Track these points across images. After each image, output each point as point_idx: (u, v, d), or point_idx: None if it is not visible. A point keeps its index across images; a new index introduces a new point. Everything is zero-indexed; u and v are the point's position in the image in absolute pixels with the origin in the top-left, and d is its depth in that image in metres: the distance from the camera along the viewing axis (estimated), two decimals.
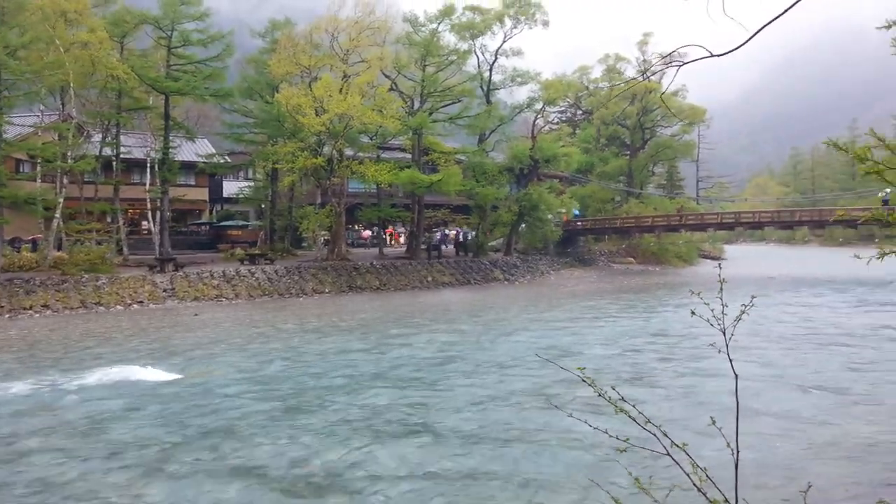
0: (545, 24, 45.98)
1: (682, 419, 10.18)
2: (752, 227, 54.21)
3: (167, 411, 12.02)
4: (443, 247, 46.44)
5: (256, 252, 38.69)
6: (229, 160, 46.98)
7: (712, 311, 3.39)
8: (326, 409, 12.09)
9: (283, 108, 35.80)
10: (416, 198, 43.10)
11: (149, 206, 38.68)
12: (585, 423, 3.79)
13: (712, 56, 4.22)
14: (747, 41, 3.66)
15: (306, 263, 37.02)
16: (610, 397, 3.41)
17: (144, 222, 42.75)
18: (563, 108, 69.97)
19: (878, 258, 2.86)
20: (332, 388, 13.90)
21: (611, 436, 3.53)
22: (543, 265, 47.03)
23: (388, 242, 50.55)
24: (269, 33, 43.37)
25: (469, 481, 8.40)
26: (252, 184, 50.08)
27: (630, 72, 64.25)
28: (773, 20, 3.35)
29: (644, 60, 64.78)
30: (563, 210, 49.65)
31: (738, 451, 3.17)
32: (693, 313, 3.37)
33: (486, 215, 45.80)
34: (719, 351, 3.26)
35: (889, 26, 3.95)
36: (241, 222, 49.46)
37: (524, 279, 42.93)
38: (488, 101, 46.82)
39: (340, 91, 36.11)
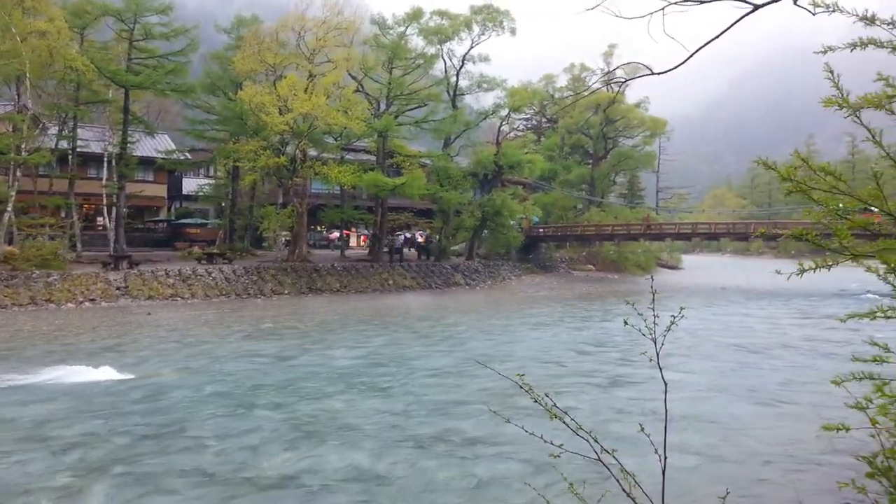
0: (513, 31, 46.40)
1: (620, 425, 10.39)
2: (708, 237, 55.41)
3: (116, 412, 11.79)
4: (405, 250, 46.44)
5: (215, 251, 38.13)
6: (189, 157, 46.24)
7: (656, 317, 3.50)
8: (278, 411, 12.00)
9: (247, 105, 35.40)
10: (379, 200, 43.02)
11: (105, 201, 37.83)
12: (523, 429, 3.86)
13: (653, 74, 4.36)
14: (685, 61, 3.79)
15: (266, 264, 36.63)
16: (546, 404, 3.50)
17: (100, 218, 41.81)
18: (528, 116, 70.64)
19: (798, 274, 3.00)
20: (283, 390, 13.79)
21: (545, 441, 3.63)
22: (505, 270, 47.33)
23: (350, 244, 50.32)
24: (235, 29, 42.92)
25: (411, 486, 8.44)
26: (212, 181, 49.42)
27: (607, 80, 65.22)
28: (710, 42, 3.48)
29: (608, 71, 65.79)
30: (524, 216, 50.09)
31: (665, 458, 3.29)
32: (626, 323, 3.46)
33: (449, 220, 45.93)
34: (650, 360, 3.37)
35: (825, 51, 4.15)
36: (200, 220, 48.73)
37: (485, 284, 43.14)
38: (454, 106, 46.99)
39: (305, 90, 35.88)
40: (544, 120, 72.45)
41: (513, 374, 3.87)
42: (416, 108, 45.52)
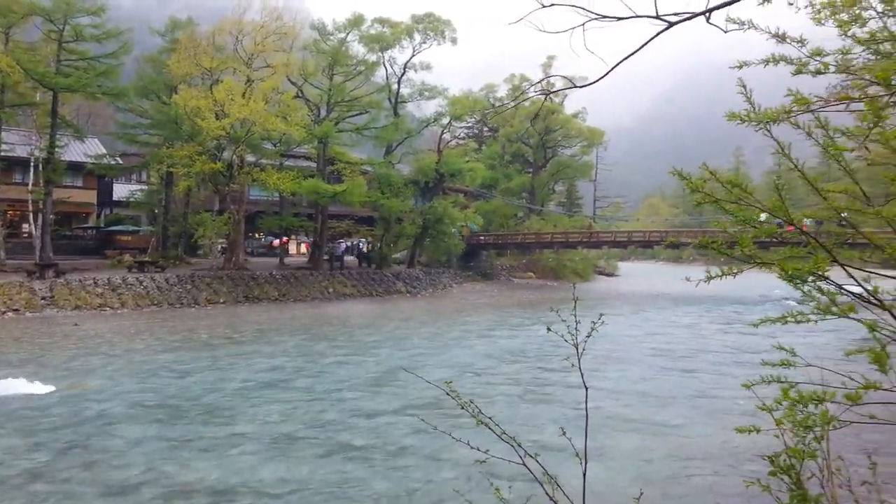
0: (454, 41, 46.76)
1: (546, 430, 10.55)
2: (643, 245, 56.92)
3: (37, 426, 11.27)
4: (346, 257, 46.06)
5: (146, 259, 36.91)
6: (121, 162, 44.74)
7: (578, 324, 3.56)
8: (207, 424, 11.69)
9: (182, 109, 34.49)
10: (319, 207, 42.56)
11: (31, 207, 36.22)
12: (450, 436, 3.88)
13: (575, 87, 4.46)
14: (604, 75, 3.88)
15: (200, 272, 35.68)
16: (472, 411, 3.53)
17: (25, 225, 40.00)
18: (469, 124, 71.22)
19: (706, 281, 3.10)
20: (213, 401, 13.46)
21: (472, 447, 3.66)
22: (446, 278, 47.48)
23: (290, 252, 49.60)
24: (170, 32, 41.81)
25: (342, 495, 8.35)
26: (145, 187, 47.89)
27: (534, 92, 66.27)
28: (627, 58, 3.57)
29: (548, 82, 66.95)
30: (464, 224, 50.42)
31: (585, 461, 3.35)
32: (549, 329, 3.52)
33: (390, 227, 45.80)
34: (572, 365, 3.43)
35: (740, 66, 4.32)
36: (131, 227, 47.08)
37: (426, 292, 43.16)
38: (396, 114, 46.98)
39: (243, 95, 35.24)
40: (485, 129, 73.17)
41: (442, 383, 3.90)
42: (357, 114, 45.31)
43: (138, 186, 49.94)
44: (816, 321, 3.32)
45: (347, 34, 44.29)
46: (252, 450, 10.18)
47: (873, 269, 3.56)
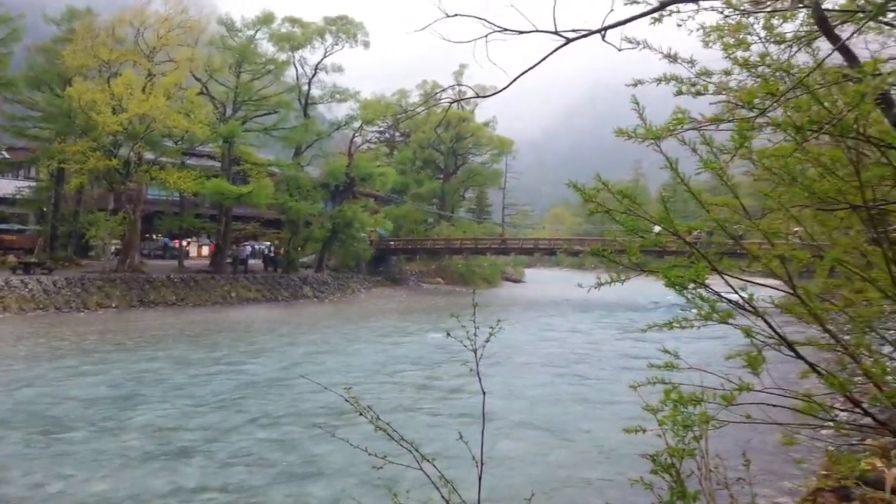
0: (366, 44, 46.55)
1: (446, 434, 10.65)
2: (547, 252, 58.51)
3: None
4: (251, 261, 44.81)
5: (32, 260, 34.55)
6: (7, 156, 41.74)
7: (477, 329, 3.62)
8: (94, 435, 11.06)
9: (76, 102, 32.60)
10: (223, 209, 41.22)
11: None
12: (348, 442, 3.85)
13: (479, 97, 4.56)
14: (506, 87, 3.98)
15: (92, 275, 33.74)
16: (371, 416, 3.52)
17: None
18: (381, 129, 71.00)
19: (597, 288, 3.24)
20: (100, 411, 12.73)
21: (370, 454, 3.64)
22: (355, 283, 47.08)
23: (191, 254, 47.76)
24: (66, 21, 39.39)
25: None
26: (33, 184, 44.82)
27: (446, 99, 66.86)
28: (525, 72, 3.68)
29: (458, 90, 67.73)
30: (373, 229, 50.21)
31: (481, 465, 3.41)
32: (448, 335, 3.56)
33: (298, 230, 44.92)
34: (470, 370, 3.49)
35: (635, 84, 4.51)
36: (16, 226, 43.87)
37: (334, 297, 42.63)
38: (306, 115, 46.24)
39: (143, 90, 33.71)
40: (397, 134, 73.19)
41: (342, 389, 3.86)
42: (265, 114, 44.26)
43: (26, 183, 46.66)
44: (699, 326, 3.51)
45: (256, 32, 43.26)
46: (142, 461, 9.70)
47: (750, 279, 3.82)
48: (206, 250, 49.94)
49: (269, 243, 48.56)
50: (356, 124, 48.65)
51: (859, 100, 2.45)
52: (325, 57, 45.77)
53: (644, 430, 3.45)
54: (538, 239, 60.37)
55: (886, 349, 4.11)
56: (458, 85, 23.16)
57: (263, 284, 39.97)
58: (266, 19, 43.07)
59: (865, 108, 2.61)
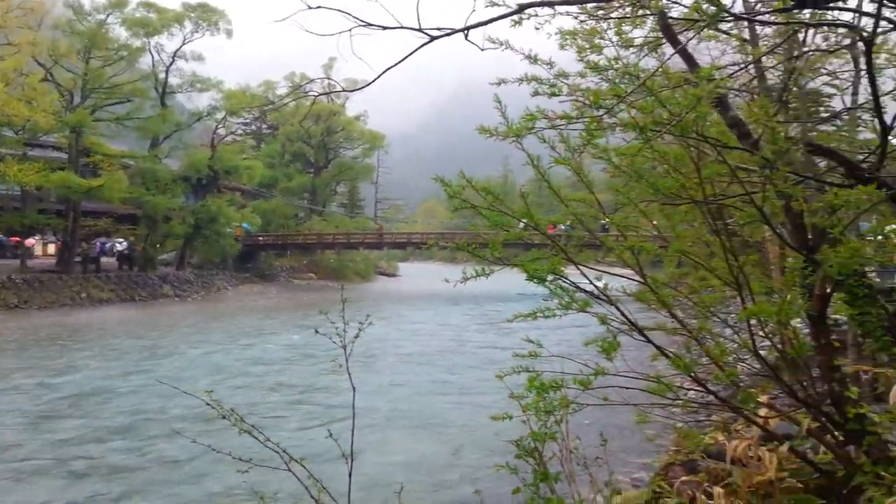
0: (228, 33, 44.65)
1: (320, 433, 10.54)
2: (420, 246, 59.10)
3: None
4: (104, 259, 41.74)
5: None
6: None
7: (346, 325, 3.57)
8: None
9: None
10: (71, 204, 38.10)
11: None
12: (210, 447, 3.70)
13: (345, 91, 4.51)
14: (372, 82, 3.97)
15: None
16: (234, 419, 3.39)
17: None
18: (247, 121, 68.53)
19: (462, 281, 3.31)
20: None
21: (234, 458, 3.52)
22: (220, 280, 45.21)
23: (35, 253, 43.75)
24: None
25: None
26: None
27: (314, 92, 65.74)
28: (390, 68, 3.69)
29: (328, 84, 66.75)
30: (238, 224, 48.45)
31: (352, 461, 3.40)
32: (316, 332, 3.51)
33: (157, 226, 42.35)
34: (340, 366, 3.46)
35: (499, 83, 4.63)
36: None
37: (198, 295, 40.71)
38: (164, 104, 43.68)
39: None
40: (265, 126, 70.96)
41: (202, 393, 3.70)
42: (118, 103, 41.31)
43: None
44: (561, 315, 3.68)
45: (108, 16, 40.24)
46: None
47: (609, 270, 4.05)
48: (53, 248, 45.92)
49: (122, 240, 45.45)
50: (219, 115, 46.63)
51: (696, 102, 2.66)
52: (183, 44, 43.43)
53: (510, 417, 3.57)
54: (411, 233, 60.83)
55: (727, 332, 4.48)
56: (328, 78, 22.83)
57: (118, 284, 37.44)
58: (118, 3, 40.16)
59: (703, 110, 2.84)
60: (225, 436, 3.86)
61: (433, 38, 3.55)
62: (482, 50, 3.93)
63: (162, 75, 43.72)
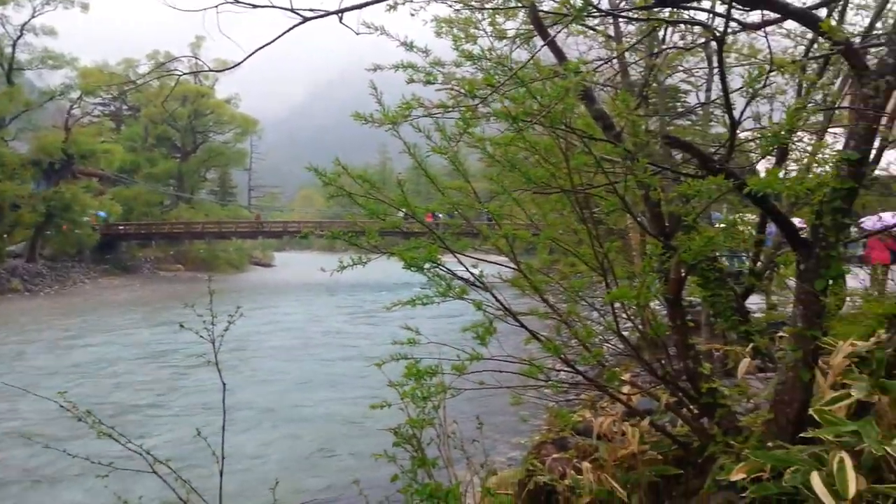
0: (84, 6, 41.41)
1: (189, 432, 10.08)
2: (297, 235, 57.85)
3: None
4: None
5: None
6: None
7: (215, 318, 3.41)
8: None
9: None
10: None
11: None
12: (65, 452, 3.43)
13: (213, 71, 4.30)
14: (242, 62, 3.80)
15: None
16: (91, 421, 3.17)
17: None
18: (105, 101, 63.76)
19: (339, 270, 3.26)
20: None
21: (93, 462, 3.28)
22: (77, 273, 42.04)
23: None
24: None
25: None
26: None
27: (179, 71, 62.23)
28: (261, 48, 3.54)
29: (196, 63, 63.47)
30: (94, 212, 45.20)
31: (222, 459, 3.27)
32: (182, 326, 3.34)
33: (3, 215, 38.64)
34: (208, 362, 3.31)
35: (375, 69, 4.58)
36: None
37: (51, 289, 37.64)
38: (10, 82, 39.89)
39: None
40: (125, 107, 66.37)
41: (56, 395, 3.42)
42: None
43: None
44: (439, 303, 3.71)
45: None
46: None
47: (486, 258, 4.13)
48: None
49: None
50: (74, 95, 43.08)
51: (563, 94, 2.75)
52: (33, 16, 39.80)
53: (389, 405, 3.57)
54: (287, 222, 59.29)
55: (595, 315, 4.71)
56: (194, 57, 21.70)
57: None
58: None
59: (570, 102, 2.95)
60: (84, 442, 3.60)
61: (306, 20, 3.45)
62: (357, 34, 3.87)
63: (8, 50, 39.87)
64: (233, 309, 3.49)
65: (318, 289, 41.36)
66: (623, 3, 5.76)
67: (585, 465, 3.83)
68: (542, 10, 3.82)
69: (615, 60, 6.03)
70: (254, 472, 8.14)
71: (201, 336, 3.29)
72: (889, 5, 7.21)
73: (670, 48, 5.62)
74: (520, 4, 4.15)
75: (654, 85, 5.72)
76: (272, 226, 57.45)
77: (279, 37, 3.57)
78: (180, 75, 4.71)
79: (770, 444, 3.15)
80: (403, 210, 3.50)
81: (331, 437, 10.39)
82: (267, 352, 18.65)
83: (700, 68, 7.57)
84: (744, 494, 2.90)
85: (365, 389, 12.76)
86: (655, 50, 5.43)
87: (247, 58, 3.62)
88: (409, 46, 4.64)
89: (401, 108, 3.01)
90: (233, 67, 3.93)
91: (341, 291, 37.24)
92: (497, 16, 4.73)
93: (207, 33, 3.71)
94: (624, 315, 3.94)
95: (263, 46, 3.51)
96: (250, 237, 57.88)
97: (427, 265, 3.26)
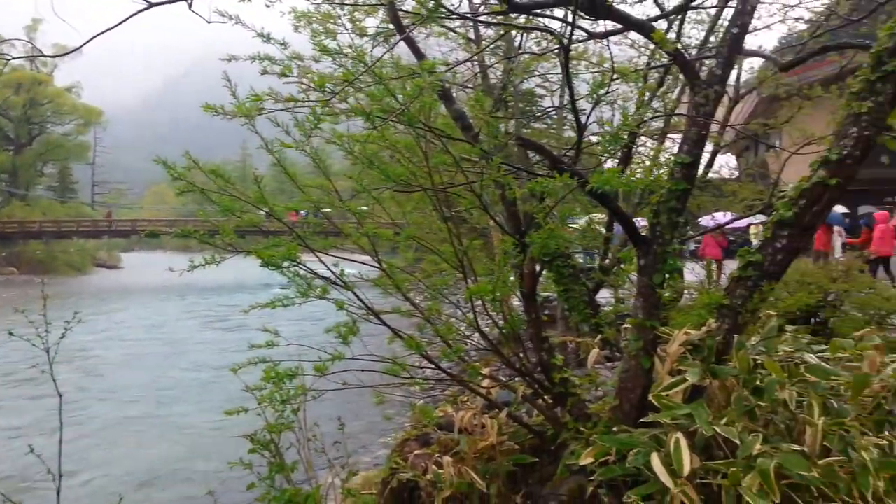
0: None
1: (23, 449, 9.19)
2: (148, 235, 54.52)
3: None
4: None
5: None
6: None
7: (49, 325, 3.12)
8: None
9: None
10: None
11: None
12: None
13: (49, 56, 3.94)
14: (80, 47, 3.53)
15: None
16: None
17: None
18: None
19: (190, 270, 3.10)
20: None
21: None
22: None
23: None
24: None
25: None
26: None
27: (13, 55, 56.65)
28: (102, 33, 3.30)
29: (33, 47, 58.03)
30: None
31: (60, 477, 3.01)
32: (11, 334, 3.04)
33: None
34: (42, 371, 3.03)
35: (229, 59, 4.38)
36: None
37: None
38: None
39: None
40: None
41: None
42: None
43: None
44: (300, 304, 3.62)
45: None
46: None
47: (350, 256, 4.07)
48: None
49: None
50: None
51: (419, 93, 2.78)
52: None
53: (245, 411, 3.44)
54: (136, 220, 55.65)
55: (458, 313, 4.78)
56: (29, 42, 19.83)
57: None
58: None
59: (427, 101, 2.98)
60: None
61: (152, 5, 3.25)
62: (209, 22, 3.70)
63: None
64: (70, 315, 3.22)
65: (167, 292, 38.95)
66: (483, 8, 5.93)
67: (447, 459, 3.89)
68: (401, 9, 3.83)
69: (476, 63, 6.19)
70: (99, 488, 7.55)
71: (33, 344, 3.00)
72: (720, 21, 7.94)
73: (524, 53, 5.85)
74: (379, 2, 4.15)
75: (511, 88, 5.92)
76: (120, 224, 53.68)
77: (122, 22, 3.34)
78: (10, 59, 4.28)
79: (615, 428, 3.36)
80: (263, 208, 3.39)
81: (182, 448, 9.83)
82: (110, 360, 17.31)
83: (554, 74, 7.94)
84: (592, 478, 3.07)
85: (220, 397, 12.19)
86: (512, 55, 5.63)
87: (86, 42, 3.36)
88: (265, 38, 4.50)
89: (251, 99, 2.90)
90: (71, 52, 3.63)
91: (194, 294, 35.41)
92: (356, 12, 4.70)
93: (44, 17, 3.38)
94: (484, 312, 4.04)
95: (104, 32, 3.27)
96: (94, 237, 53.75)
97: (286, 264, 3.17)
